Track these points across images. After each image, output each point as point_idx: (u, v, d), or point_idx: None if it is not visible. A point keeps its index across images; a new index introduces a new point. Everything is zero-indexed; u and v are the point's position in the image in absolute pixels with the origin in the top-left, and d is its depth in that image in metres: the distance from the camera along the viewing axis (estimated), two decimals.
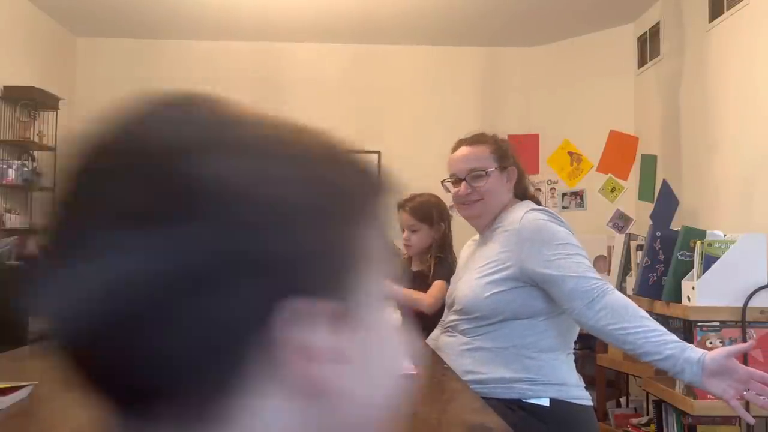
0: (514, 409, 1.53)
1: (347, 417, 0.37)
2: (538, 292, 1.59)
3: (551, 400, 1.55)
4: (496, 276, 1.63)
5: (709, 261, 2.37)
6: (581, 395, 1.60)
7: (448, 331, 1.75)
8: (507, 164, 1.76)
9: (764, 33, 2.98)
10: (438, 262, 2.45)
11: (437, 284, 2.33)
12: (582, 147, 4.76)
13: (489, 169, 1.73)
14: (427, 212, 2.46)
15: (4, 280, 3.56)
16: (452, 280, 1.89)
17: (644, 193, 4.27)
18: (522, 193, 1.80)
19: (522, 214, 1.65)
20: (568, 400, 1.57)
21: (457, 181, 1.78)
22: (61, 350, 0.34)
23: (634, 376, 3.29)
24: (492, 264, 1.65)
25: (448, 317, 1.78)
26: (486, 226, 1.77)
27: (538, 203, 1.79)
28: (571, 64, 4.83)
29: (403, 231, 2.52)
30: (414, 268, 2.53)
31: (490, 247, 1.70)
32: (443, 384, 1.08)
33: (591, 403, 1.63)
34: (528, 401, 1.55)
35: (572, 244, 1.59)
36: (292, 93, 4.97)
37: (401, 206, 2.45)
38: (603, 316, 1.46)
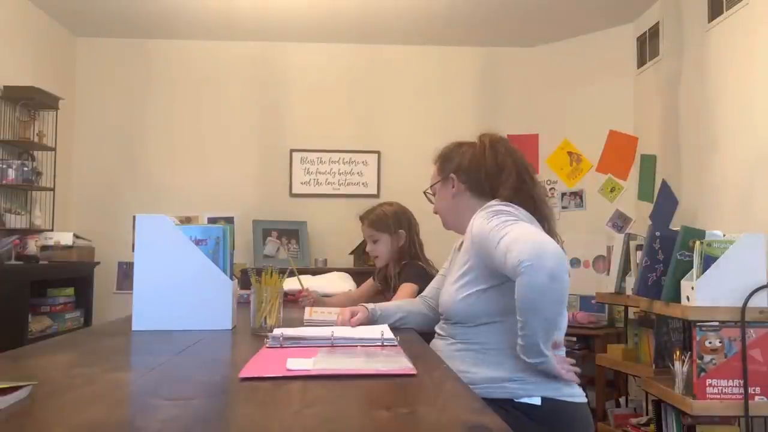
0: (507, 409, 1.52)
1: None
2: (501, 290, 1.59)
3: (543, 399, 1.52)
4: (464, 280, 1.66)
5: (708, 261, 2.38)
6: (574, 393, 1.57)
7: (439, 335, 1.78)
8: (447, 172, 1.83)
9: (763, 33, 2.98)
10: (403, 267, 2.54)
11: (403, 287, 2.40)
12: (581, 147, 4.77)
13: (434, 185, 1.89)
14: (384, 222, 2.60)
15: (4, 280, 3.58)
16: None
17: (644, 193, 4.27)
18: (498, 191, 1.72)
19: (474, 217, 1.67)
20: (561, 399, 1.54)
21: None
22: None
23: (634, 375, 3.28)
24: (461, 269, 1.69)
25: (440, 322, 1.82)
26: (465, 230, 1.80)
27: (520, 198, 1.69)
28: (570, 64, 4.84)
29: (367, 243, 2.68)
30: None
31: (461, 253, 1.75)
32: (443, 384, 1.08)
33: (585, 400, 1.60)
34: (520, 401, 1.53)
35: (504, 212, 1.58)
36: (292, 93, 4.97)
37: (362, 219, 2.68)
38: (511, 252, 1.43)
